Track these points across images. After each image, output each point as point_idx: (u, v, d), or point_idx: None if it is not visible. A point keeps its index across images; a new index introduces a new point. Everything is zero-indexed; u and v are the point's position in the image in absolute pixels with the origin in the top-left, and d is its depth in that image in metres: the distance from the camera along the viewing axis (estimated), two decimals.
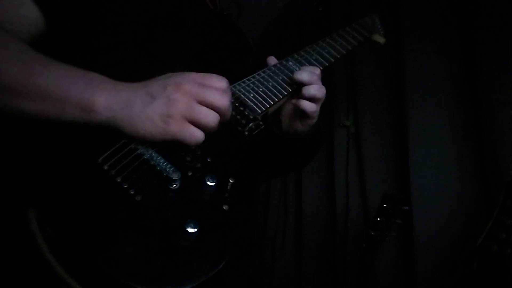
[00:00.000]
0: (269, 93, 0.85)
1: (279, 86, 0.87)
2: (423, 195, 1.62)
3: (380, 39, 1.11)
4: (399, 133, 1.86)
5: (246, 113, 0.80)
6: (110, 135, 0.64)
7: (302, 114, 0.89)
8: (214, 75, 0.69)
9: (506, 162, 1.37)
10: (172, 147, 0.66)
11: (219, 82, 0.68)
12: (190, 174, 0.67)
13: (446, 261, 1.49)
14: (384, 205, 1.50)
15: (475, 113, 1.56)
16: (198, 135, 0.64)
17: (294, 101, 0.89)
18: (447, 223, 1.54)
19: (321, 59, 0.96)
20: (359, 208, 1.96)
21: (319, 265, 2.17)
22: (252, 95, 0.83)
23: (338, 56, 0.98)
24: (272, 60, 0.93)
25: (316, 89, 0.87)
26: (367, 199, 1.92)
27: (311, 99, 0.87)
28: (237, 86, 0.83)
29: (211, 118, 0.65)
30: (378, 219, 1.49)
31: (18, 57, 0.64)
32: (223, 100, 0.67)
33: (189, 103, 0.64)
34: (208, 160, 0.69)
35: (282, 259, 2.46)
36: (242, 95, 0.82)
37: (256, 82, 0.86)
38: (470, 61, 1.60)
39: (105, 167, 0.61)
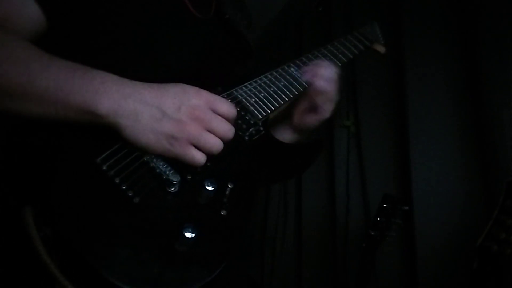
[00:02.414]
0: (271, 99, 0.85)
1: (281, 92, 0.87)
2: (424, 195, 1.62)
3: (380, 48, 1.12)
4: (399, 133, 1.86)
5: (247, 118, 0.80)
6: (110, 135, 0.63)
7: (315, 109, 0.91)
8: (226, 101, 0.69)
9: (506, 162, 1.37)
10: None
11: (230, 110, 0.69)
12: (189, 178, 0.66)
13: (447, 261, 1.50)
14: (384, 205, 1.50)
15: (475, 113, 1.56)
16: (199, 158, 0.65)
17: (310, 91, 0.90)
18: (448, 223, 1.54)
19: None
20: (359, 208, 1.96)
21: (319, 265, 2.18)
22: (253, 100, 0.83)
23: (340, 64, 0.99)
24: None
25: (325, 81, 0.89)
26: (367, 199, 1.92)
27: (322, 91, 0.89)
28: (239, 90, 0.83)
29: (216, 146, 0.65)
30: (378, 219, 1.49)
31: (18, 58, 0.63)
32: (230, 131, 0.68)
33: (198, 130, 0.64)
34: (208, 164, 0.69)
35: (282, 259, 2.46)
36: (243, 100, 0.82)
37: (258, 87, 0.85)
38: (470, 61, 1.60)
39: (104, 167, 0.61)
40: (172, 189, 0.63)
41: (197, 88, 0.67)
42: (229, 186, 0.69)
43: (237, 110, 0.78)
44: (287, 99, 0.87)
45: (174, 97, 0.64)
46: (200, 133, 0.64)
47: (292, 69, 0.92)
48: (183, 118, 0.63)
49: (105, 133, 0.63)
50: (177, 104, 0.63)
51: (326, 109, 0.91)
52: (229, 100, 0.75)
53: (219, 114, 0.67)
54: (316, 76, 0.89)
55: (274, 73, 0.90)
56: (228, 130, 0.67)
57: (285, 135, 0.95)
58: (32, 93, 0.61)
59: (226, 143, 0.68)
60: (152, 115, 0.62)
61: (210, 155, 0.66)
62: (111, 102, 0.61)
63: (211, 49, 0.88)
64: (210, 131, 0.65)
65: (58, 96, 0.61)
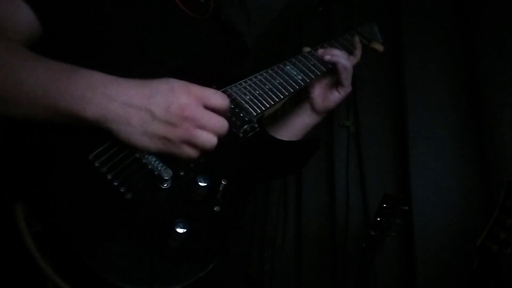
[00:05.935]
0: (266, 96, 0.85)
1: (276, 90, 0.87)
2: (423, 195, 1.61)
3: (379, 47, 1.12)
4: (399, 133, 1.85)
5: (241, 115, 0.80)
6: (102, 132, 0.63)
7: (337, 83, 1.01)
8: (217, 93, 0.68)
9: (506, 162, 1.36)
10: None
11: (222, 102, 0.67)
12: (182, 174, 0.66)
13: (446, 261, 1.49)
14: (384, 205, 1.49)
15: (475, 113, 1.55)
16: (194, 155, 0.65)
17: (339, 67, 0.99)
18: (447, 223, 1.53)
19: (319, 64, 0.97)
20: (359, 208, 1.96)
21: (319, 265, 2.17)
22: (248, 97, 0.83)
23: None
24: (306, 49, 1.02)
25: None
26: (367, 199, 1.91)
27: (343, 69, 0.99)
28: (234, 88, 0.83)
29: (209, 143, 0.65)
30: (378, 219, 1.48)
31: (5, 62, 0.63)
32: (223, 125, 0.67)
33: (189, 130, 0.63)
34: (201, 160, 0.69)
35: (282, 259, 2.46)
36: (238, 97, 0.82)
37: (252, 84, 0.86)
38: (470, 61, 1.59)
39: (96, 164, 0.61)
40: (165, 185, 0.63)
41: (186, 84, 0.65)
42: (223, 182, 0.69)
43: (231, 107, 0.78)
44: (282, 97, 0.87)
45: (161, 97, 0.63)
46: (192, 133, 0.63)
47: (287, 67, 0.93)
48: (172, 120, 0.62)
49: (97, 130, 0.63)
50: (165, 105, 0.62)
51: (348, 83, 1.00)
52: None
53: (210, 108, 0.66)
54: (334, 56, 0.98)
55: (270, 71, 0.91)
56: (220, 124, 0.66)
57: (306, 118, 1.03)
58: (20, 98, 0.62)
59: (222, 136, 0.67)
60: (142, 118, 0.62)
61: (205, 151, 0.66)
62: (98, 108, 0.61)
63: (206, 49, 0.88)
64: (202, 128, 0.64)
65: (45, 102, 0.61)
